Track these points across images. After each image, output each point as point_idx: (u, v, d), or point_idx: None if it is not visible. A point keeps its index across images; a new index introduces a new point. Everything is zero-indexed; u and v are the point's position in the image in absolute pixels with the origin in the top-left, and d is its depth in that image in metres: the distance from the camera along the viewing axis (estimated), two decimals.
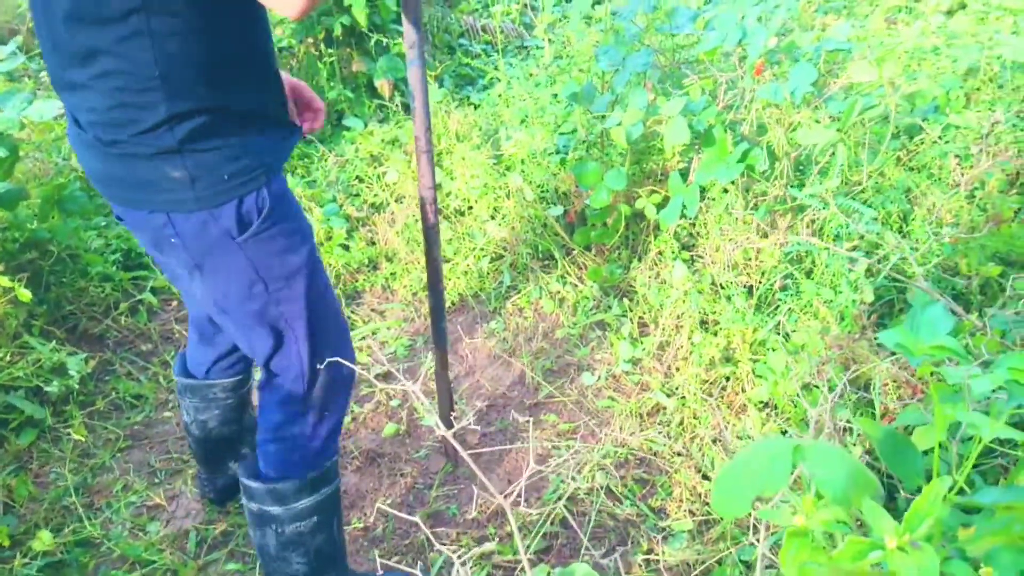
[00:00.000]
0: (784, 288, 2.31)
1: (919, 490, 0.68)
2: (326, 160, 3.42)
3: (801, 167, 2.38)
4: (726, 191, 2.42)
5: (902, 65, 1.94)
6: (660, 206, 2.54)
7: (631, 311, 2.77)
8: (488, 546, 2.06)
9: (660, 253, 2.80)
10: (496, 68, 4.06)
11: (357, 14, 3.66)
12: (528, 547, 2.04)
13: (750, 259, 2.36)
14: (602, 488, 2.16)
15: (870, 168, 2.20)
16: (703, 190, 2.38)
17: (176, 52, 1.15)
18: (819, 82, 2.10)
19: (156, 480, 2.25)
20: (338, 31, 3.69)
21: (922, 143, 2.65)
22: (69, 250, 2.77)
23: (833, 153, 2.14)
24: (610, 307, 2.82)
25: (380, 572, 1.63)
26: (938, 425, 0.72)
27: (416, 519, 1.15)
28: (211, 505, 2.15)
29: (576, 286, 2.93)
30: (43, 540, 1.92)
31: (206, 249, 1.31)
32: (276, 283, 1.38)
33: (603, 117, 2.74)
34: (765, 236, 2.28)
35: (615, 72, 2.45)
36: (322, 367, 1.49)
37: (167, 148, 1.21)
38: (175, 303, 2.92)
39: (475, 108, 3.68)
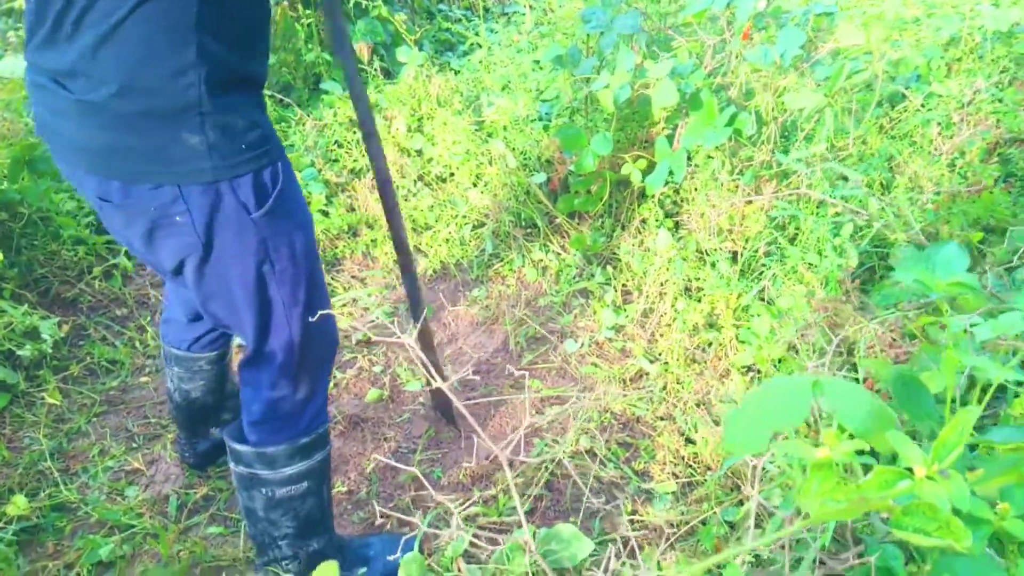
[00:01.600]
0: (768, 254, 2.31)
1: (932, 434, 0.68)
2: (303, 124, 3.35)
3: (787, 133, 2.38)
4: (711, 157, 2.41)
5: (885, 33, 1.94)
6: (646, 172, 2.53)
7: (615, 279, 2.77)
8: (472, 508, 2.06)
9: (644, 220, 2.80)
10: (477, 34, 4.00)
11: None
12: (512, 508, 2.04)
13: (735, 225, 2.36)
14: (586, 451, 2.16)
15: (855, 134, 2.21)
16: (689, 155, 2.37)
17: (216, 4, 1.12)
18: (806, 47, 2.09)
19: (134, 445, 2.21)
20: None
21: (904, 111, 2.66)
22: (40, 212, 2.69)
23: (819, 119, 2.14)
24: (593, 275, 2.81)
25: (371, 535, 1.63)
26: (947, 369, 0.71)
27: (414, 469, 1.14)
28: (191, 470, 2.12)
29: (559, 254, 2.92)
30: (18, 505, 1.88)
31: (219, 226, 1.25)
32: (283, 263, 1.35)
33: (587, 81, 2.71)
34: (750, 202, 2.28)
35: (600, 35, 2.42)
36: (311, 344, 1.47)
37: (190, 104, 1.15)
38: (150, 268, 2.86)
39: (456, 74, 3.63)
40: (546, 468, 2.13)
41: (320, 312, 1.44)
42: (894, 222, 2.20)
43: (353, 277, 2.92)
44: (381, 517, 2.00)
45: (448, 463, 2.17)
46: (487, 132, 3.25)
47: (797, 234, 2.29)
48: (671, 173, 2.32)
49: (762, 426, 0.62)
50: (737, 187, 2.30)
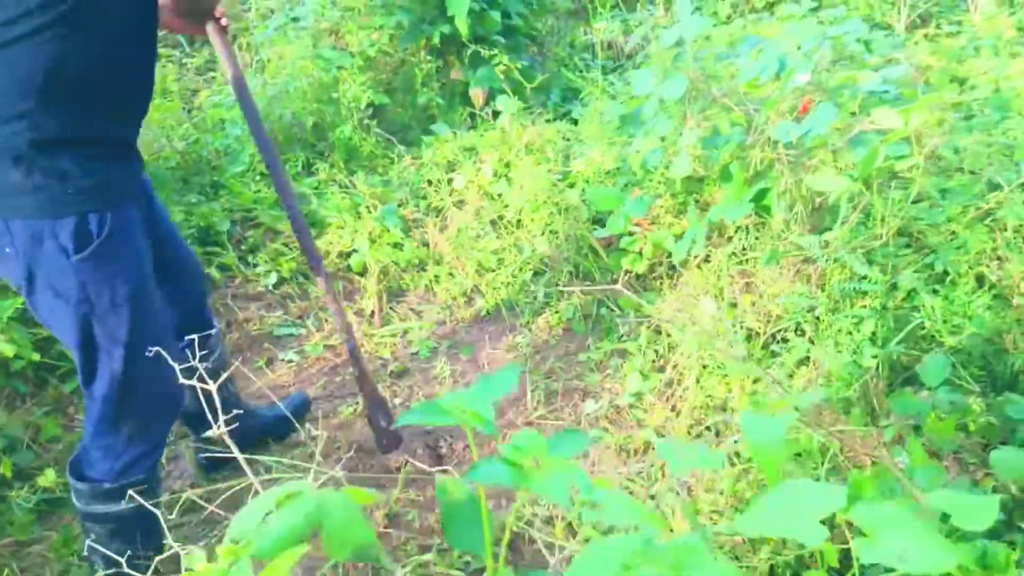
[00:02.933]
0: (784, 340, 2.15)
1: None
2: (403, 161, 3.56)
3: (826, 211, 2.20)
4: (742, 229, 2.29)
5: (929, 118, 1.75)
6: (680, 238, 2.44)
7: (655, 343, 2.68)
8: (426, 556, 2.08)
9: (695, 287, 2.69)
10: (596, 85, 4.04)
11: (459, 24, 3.78)
12: (468, 564, 2.04)
13: (755, 303, 2.21)
14: (559, 519, 2.12)
15: (889, 225, 1.99)
16: (720, 227, 2.27)
17: (54, 60, 1.25)
18: (842, 126, 1.94)
19: (167, 440, 2.45)
20: (437, 40, 3.83)
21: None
22: None
23: (854, 201, 1.97)
24: (638, 336, 2.74)
25: None
26: None
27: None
28: (202, 471, 2.32)
29: (612, 310, 2.87)
30: (48, 477, 2.16)
31: (39, 263, 1.37)
32: (103, 306, 1.44)
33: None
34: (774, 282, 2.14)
35: (646, 98, 2.38)
36: (135, 393, 1.54)
37: (14, 147, 1.28)
38: (238, 279, 3.17)
39: (549, 122, 3.68)
40: (511, 528, 2.10)
41: (151, 367, 1.50)
42: (939, 322, 1.97)
43: (411, 310, 3.05)
44: None
45: (426, 504, 2.21)
46: (569, 182, 3.27)
47: (819, 321, 2.10)
48: (693, 243, 2.23)
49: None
50: (755, 266, 2.16)
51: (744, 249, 2.31)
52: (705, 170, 2.31)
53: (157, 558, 1.29)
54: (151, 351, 1.51)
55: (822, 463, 1.79)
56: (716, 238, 2.49)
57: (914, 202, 2.33)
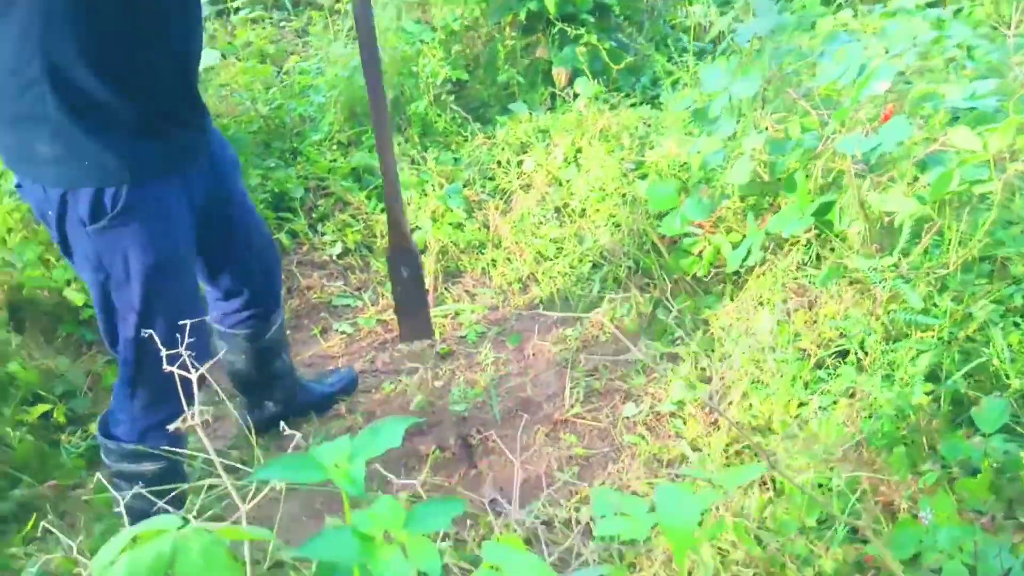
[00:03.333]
0: (835, 366, 2.02)
1: None
2: (475, 140, 3.54)
3: (894, 232, 2.04)
4: (800, 241, 2.16)
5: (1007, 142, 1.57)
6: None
7: (709, 351, 2.58)
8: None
9: (762, 300, 2.56)
10: (685, 69, 3.88)
11: (547, 1, 3.70)
12: (478, 559, 2.03)
13: (808, 322, 2.08)
14: (576, 522, 2.08)
15: (973, 244, 1.81)
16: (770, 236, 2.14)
17: (67, 23, 1.25)
18: (913, 144, 1.78)
19: (216, 399, 2.54)
20: (524, 16, 3.76)
21: None
22: None
23: (922, 226, 1.81)
24: (691, 342, 2.64)
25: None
26: None
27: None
28: (248, 433, 2.39)
29: (669, 310, 2.78)
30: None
31: (68, 230, 1.45)
32: (118, 275, 1.49)
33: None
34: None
35: (716, 95, 2.27)
36: (152, 363, 1.54)
37: (38, 115, 1.32)
38: (306, 247, 3.24)
39: (634, 107, 3.56)
40: (526, 526, 2.09)
41: (169, 343, 1.52)
42: (1007, 361, 1.81)
43: (466, 291, 3.05)
44: None
45: (450, 490, 2.22)
46: (641, 173, 3.17)
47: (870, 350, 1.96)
48: (749, 253, 2.12)
49: None
50: (809, 285, 2.02)
51: (805, 263, 2.17)
52: (770, 176, 2.18)
53: None
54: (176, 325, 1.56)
55: (848, 505, 1.68)
56: (777, 248, 2.36)
57: (1005, 226, 2.14)
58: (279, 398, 2.35)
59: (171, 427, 1.44)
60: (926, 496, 1.56)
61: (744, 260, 2.15)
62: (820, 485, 1.89)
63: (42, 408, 2.24)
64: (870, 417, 1.81)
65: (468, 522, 2.12)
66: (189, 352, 1.64)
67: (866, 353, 1.96)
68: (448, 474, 2.27)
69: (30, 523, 1.93)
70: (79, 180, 1.39)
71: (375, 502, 0.66)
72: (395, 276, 2.25)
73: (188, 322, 1.58)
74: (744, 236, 2.29)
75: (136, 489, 1.80)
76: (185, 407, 1.78)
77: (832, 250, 2.07)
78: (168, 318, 1.57)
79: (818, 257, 2.17)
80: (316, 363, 2.75)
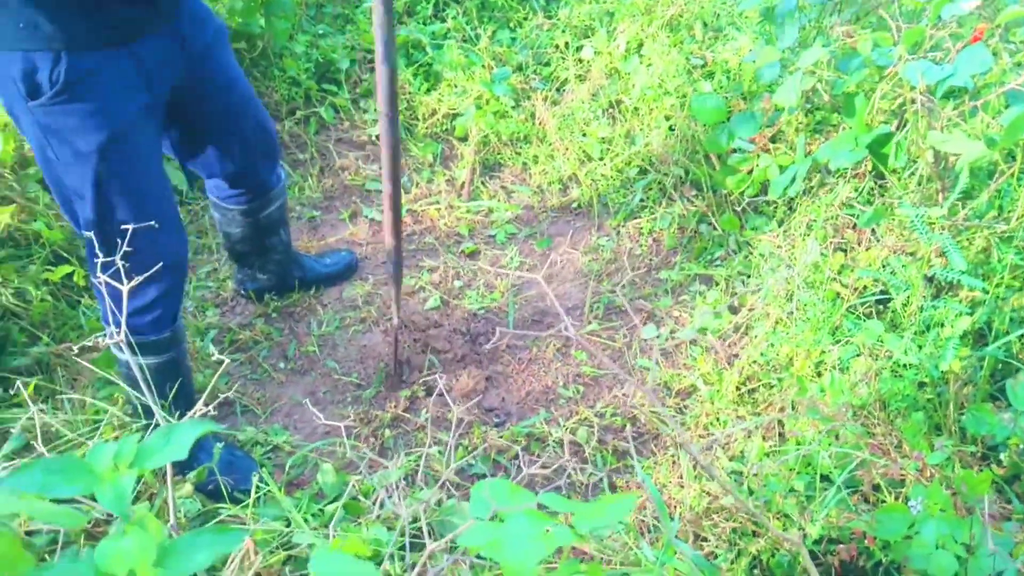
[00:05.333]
0: (858, 316, 1.83)
1: None
2: (536, 19, 3.28)
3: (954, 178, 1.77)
4: (845, 173, 1.92)
5: None
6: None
7: (746, 277, 2.41)
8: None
9: (810, 224, 2.34)
10: None
11: None
12: (471, 465, 2.02)
13: (847, 266, 1.88)
14: (570, 442, 2.03)
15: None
16: (819, 164, 1.91)
17: None
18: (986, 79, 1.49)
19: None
20: None
21: None
22: (276, 49, 3.06)
23: (984, 171, 1.55)
24: (731, 265, 2.46)
25: None
26: None
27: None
28: (259, 306, 2.40)
29: (713, 229, 2.59)
30: None
31: (9, 100, 1.38)
32: (65, 156, 1.42)
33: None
34: (869, 245, 1.79)
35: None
36: (112, 248, 1.49)
37: None
38: (347, 123, 3.13)
39: None
40: (520, 443, 2.04)
41: (130, 222, 1.49)
42: None
43: (503, 187, 2.91)
44: (352, 421, 2.12)
45: (455, 396, 2.19)
46: (709, 71, 2.88)
47: (908, 301, 1.76)
48: (793, 181, 1.90)
49: None
50: (853, 226, 1.80)
51: (855, 199, 1.94)
52: (830, 97, 1.92)
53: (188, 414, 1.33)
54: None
55: (846, 471, 1.55)
56: (833, 177, 2.12)
57: None
58: (271, 270, 2.33)
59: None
60: (919, 484, 1.42)
61: (787, 188, 1.94)
62: (828, 445, 1.77)
63: (65, 269, 2.27)
64: (894, 376, 1.64)
65: (461, 431, 2.09)
66: (155, 238, 1.60)
67: (904, 306, 1.77)
68: (450, 376, 2.23)
69: (34, 381, 2.00)
70: (11, 43, 1.32)
71: (133, 528, 0.57)
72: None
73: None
74: (794, 160, 2.05)
75: (127, 379, 1.84)
76: (162, 296, 1.77)
77: (885, 189, 1.83)
78: (128, 200, 1.53)
79: (870, 194, 1.93)
80: (340, 248, 2.70)
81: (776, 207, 2.49)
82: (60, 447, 1.71)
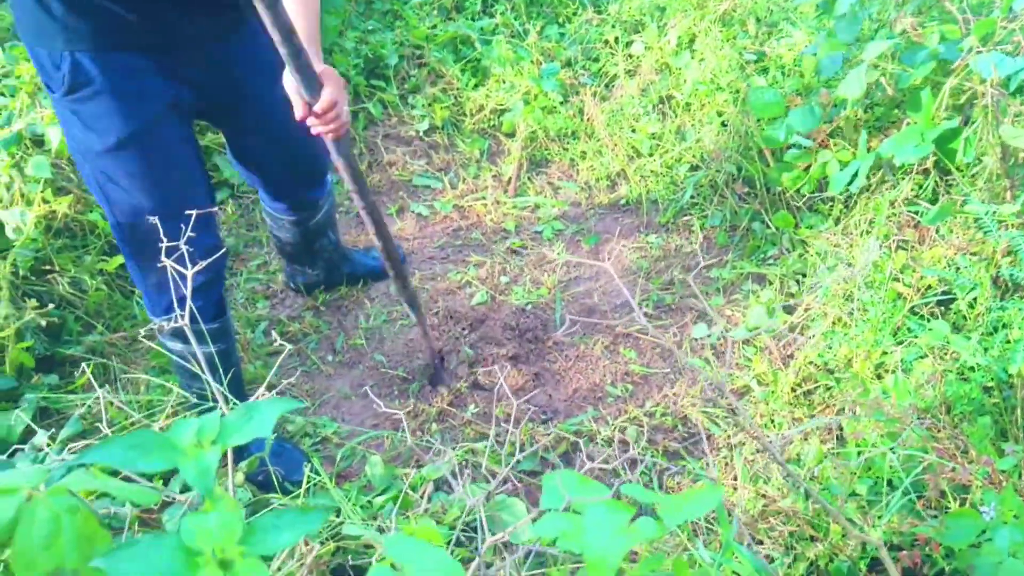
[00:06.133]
0: (920, 317, 1.77)
1: None
2: (585, 13, 3.25)
3: None
4: (909, 169, 1.85)
5: None
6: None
7: (802, 276, 2.35)
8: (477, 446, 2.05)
9: (871, 221, 2.28)
10: None
11: None
12: (519, 462, 2.00)
13: (909, 265, 1.82)
14: (620, 441, 1.99)
15: None
16: (881, 160, 1.85)
17: None
18: None
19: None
20: None
21: None
22: (325, 45, 3.07)
23: None
24: (785, 264, 2.41)
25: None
26: None
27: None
28: (308, 301, 2.41)
29: (766, 227, 2.54)
30: None
31: (47, 93, 1.43)
32: (93, 150, 1.45)
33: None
34: (933, 242, 1.73)
35: None
36: (145, 241, 1.52)
37: None
38: (394, 119, 3.14)
39: None
40: (568, 441, 2.02)
41: (137, 213, 1.52)
42: None
43: (549, 183, 2.88)
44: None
45: (502, 392, 2.17)
46: (763, 66, 2.83)
47: (975, 304, 1.69)
48: (855, 176, 1.85)
49: None
50: (915, 224, 1.74)
51: (918, 196, 1.88)
52: (894, 91, 1.86)
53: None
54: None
55: (912, 475, 1.50)
56: (894, 174, 2.05)
57: None
58: (321, 266, 2.34)
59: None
60: (990, 488, 1.36)
61: (849, 184, 1.88)
62: (893, 449, 1.71)
63: (119, 260, 2.31)
64: (960, 379, 1.58)
65: (510, 427, 2.07)
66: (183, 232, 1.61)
67: (971, 307, 1.70)
68: (493, 376, 2.22)
69: (90, 367, 2.03)
70: (42, 39, 1.36)
71: (217, 505, 0.56)
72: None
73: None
74: (855, 156, 1.99)
75: (175, 366, 1.85)
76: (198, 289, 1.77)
77: (951, 185, 1.77)
78: (154, 197, 1.53)
79: (934, 191, 1.87)
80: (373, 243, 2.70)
81: (832, 205, 2.42)
82: (119, 432, 1.72)
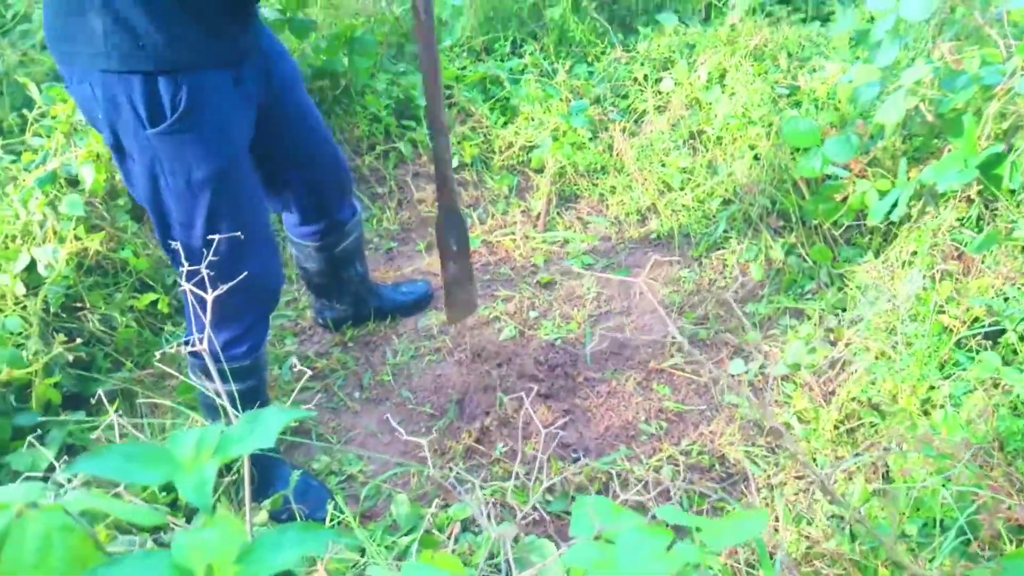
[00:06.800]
0: (968, 349, 1.68)
1: None
2: (613, 52, 3.25)
3: None
4: (952, 197, 1.79)
5: None
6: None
7: (841, 310, 2.27)
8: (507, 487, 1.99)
9: (914, 252, 2.20)
10: None
11: None
12: (549, 502, 1.93)
13: (954, 297, 1.74)
14: (657, 485, 1.92)
15: None
16: (923, 188, 1.79)
17: None
18: None
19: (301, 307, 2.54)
20: None
21: None
22: (357, 86, 3.11)
23: None
24: (823, 298, 2.34)
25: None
26: None
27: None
28: (335, 336, 2.39)
29: (803, 260, 2.47)
30: None
31: (119, 128, 1.34)
32: (178, 185, 1.40)
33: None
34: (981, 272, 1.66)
35: (883, 15, 1.89)
36: (214, 278, 1.44)
37: None
38: (424, 158, 3.14)
39: (804, 22, 3.13)
40: (600, 481, 1.95)
41: (228, 253, 1.46)
42: None
43: (579, 218, 2.86)
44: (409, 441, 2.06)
45: (531, 430, 2.11)
46: (796, 100, 2.79)
47: None
48: (895, 205, 1.79)
49: None
50: (959, 255, 1.68)
51: (962, 224, 1.81)
52: (934, 117, 1.80)
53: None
54: (232, 236, 1.49)
55: (964, 515, 1.41)
56: (937, 203, 1.99)
57: None
58: (348, 300, 2.32)
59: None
60: None
61: (889, 213, 1.82)
62: (944, 485, 1.62)
63: (150, 297, 2.31)
64: (1013, 414, 1.49)
65: (539, 465, 2.01)
66: (254, 265, 1.60)
67: (1021, 340, 1.62)
68: (522, 412, 2.16)
69: (115, 404, 2.01)
70: (133, 63, 1.28)
71: (214, 520, 0.52)
72: (444, 247, 2.05)
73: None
74: (895, 185, 1.94)
75: (206, 405, 1.84)
76: (256, 323, 1.76)
77: (996, 213, 1.70)
78: (231, 226, 1.51)
79: (979, 219, 1.80)
80: (416, 279, 2.68)
81: (872, 238, 2.36)
82: None
